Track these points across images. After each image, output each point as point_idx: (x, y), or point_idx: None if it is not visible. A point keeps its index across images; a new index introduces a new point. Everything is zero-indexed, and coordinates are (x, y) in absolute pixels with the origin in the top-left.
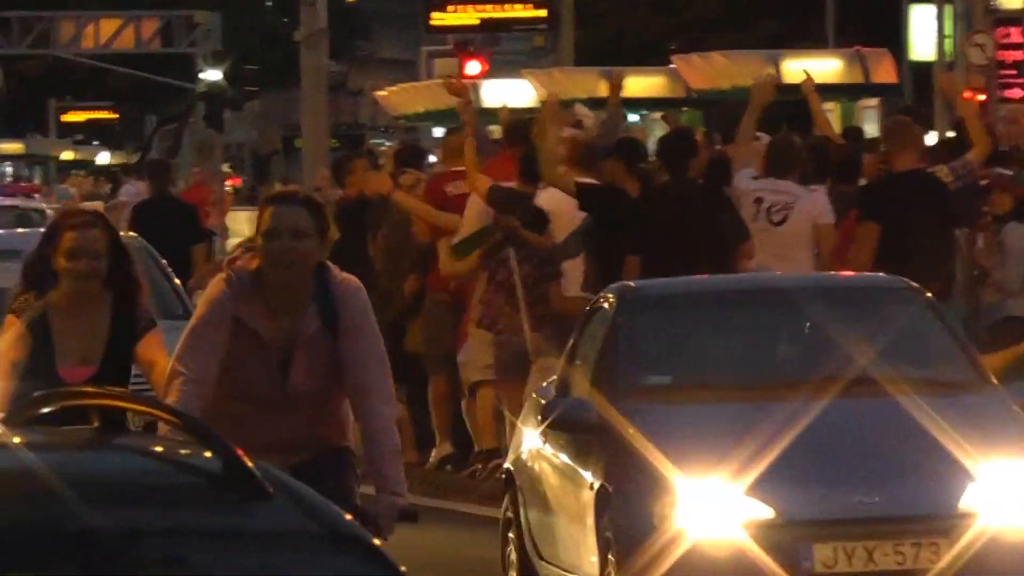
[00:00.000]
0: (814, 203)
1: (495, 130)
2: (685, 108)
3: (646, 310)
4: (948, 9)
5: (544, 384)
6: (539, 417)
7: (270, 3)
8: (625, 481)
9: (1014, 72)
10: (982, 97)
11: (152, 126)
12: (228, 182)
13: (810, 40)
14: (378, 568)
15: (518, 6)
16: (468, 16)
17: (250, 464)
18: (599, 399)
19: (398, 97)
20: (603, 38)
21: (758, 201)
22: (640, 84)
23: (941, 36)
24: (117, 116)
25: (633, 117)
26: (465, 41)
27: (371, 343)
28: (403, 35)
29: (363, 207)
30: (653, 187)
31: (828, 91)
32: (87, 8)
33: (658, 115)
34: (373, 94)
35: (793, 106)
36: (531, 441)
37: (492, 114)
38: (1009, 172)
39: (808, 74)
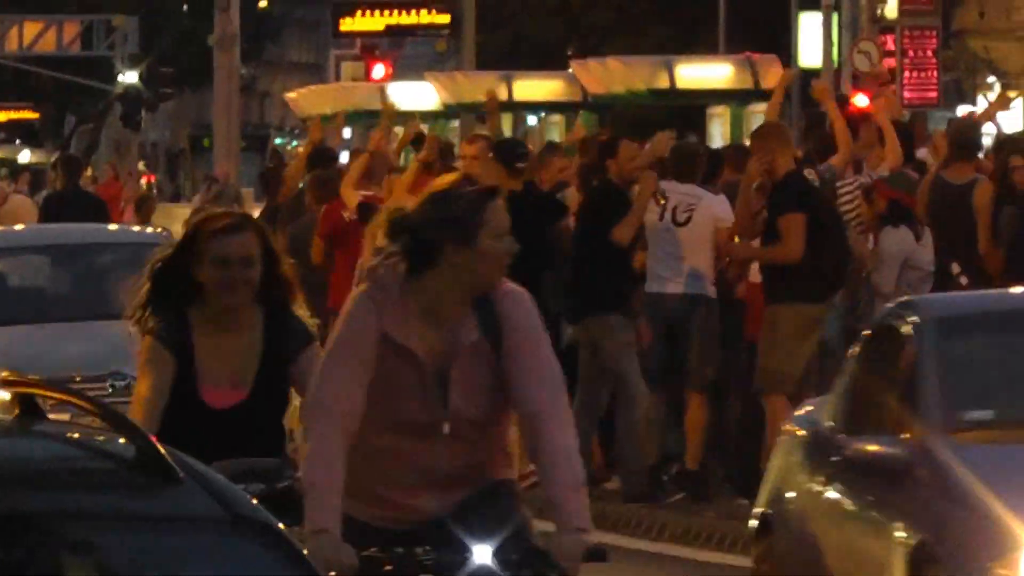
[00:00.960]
0: (717, 205)
1: (399, 131)
2: (582, 111)
3: (962, 333)
4: (835, 17)
5: (800, 413)
6: (807, 454)
7: (186, 8)
8: (955, 536)
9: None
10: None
11: (72, 126)
12: (143, 179)
13: (702, 46)
14: (282, 553)
15: (422, 12)
16: (374, 22)
17: (162, 449)
18: (911, 436)
19: (307, 99)
20: (503, 43)
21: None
22: (538, 88)
23: (828, 43)
24: (38, 116)
25: (531, 120)
26: (371, 46)
27: (542, 360)
28: (312, 39)
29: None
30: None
31: (719, 96)
32: (10, 11)
33: (556, 118)
34: (283, 96)
35: (683, 111)
36: (798, 482)
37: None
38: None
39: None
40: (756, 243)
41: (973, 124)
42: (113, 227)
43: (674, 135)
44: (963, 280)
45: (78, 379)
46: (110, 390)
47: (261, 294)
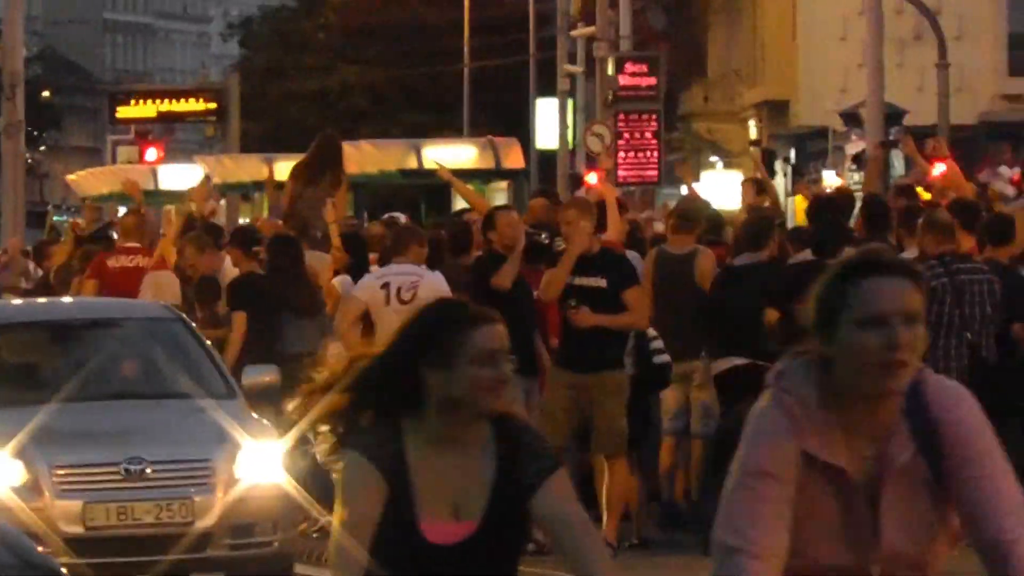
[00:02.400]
0: (435, 281)
1: (171, 209)
2: None
3: None
4: (570, 102)
5: None
6: None
7: None
8: None
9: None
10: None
11: None
12: None
13: (451, 130)
14: None
15: (191, 100)
16: (148, 109)
17: None
18: None
19: (86, 180)
20: (266, 128)
21: (386, 287)
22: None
23: (563, 126)
24: None
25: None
26: (145, 131)
27: (1002, 475)
28: (90, 126)
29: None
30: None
31: (464, 175)
32: None
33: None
34: (64, 177)
35: (431, 188)
36: None
37: (168, 195)
38: None
39: (439, 164)
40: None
41: (694, 200)
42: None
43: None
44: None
45: None
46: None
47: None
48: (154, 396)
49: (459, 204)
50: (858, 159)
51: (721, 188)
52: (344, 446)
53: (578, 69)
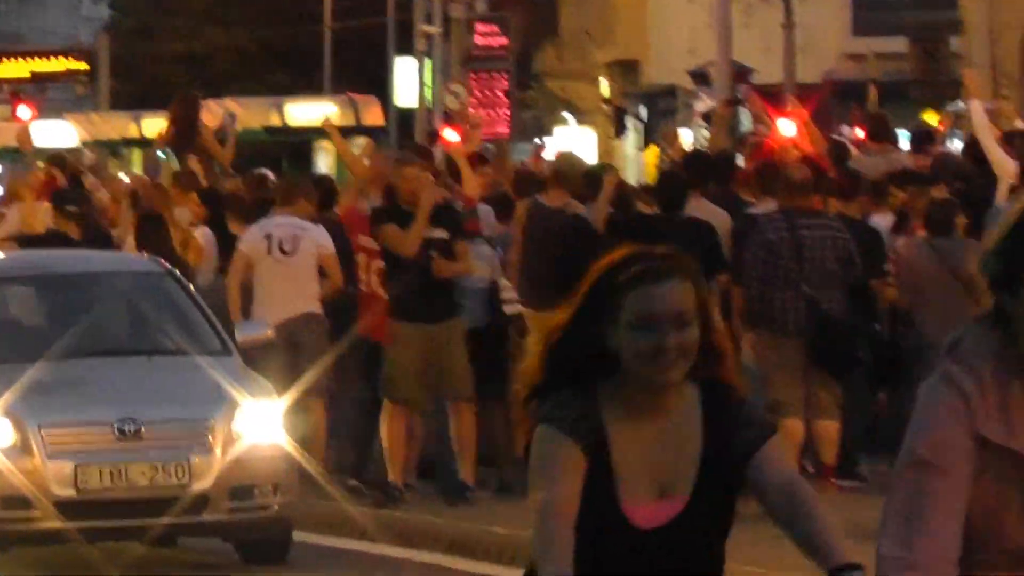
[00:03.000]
0: (318, 234)
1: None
2: None
3: None
4: (428, 62)
5: None
6: None
7: None
8: None
9: (490, 114)
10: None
11: None
12: None
13: (313, 89)
14: None
15: (63, 60)
16: (20, 68)
17: None
18: None
19: None
20: (135, 88)
21: (268, 237)
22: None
23: (421, 85)
24: None
25: (161, 154)
26: (18, 90)
27: None
28: None
29: None
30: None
31: (324, 132)
32: None
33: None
34: None
35: (293, 146)
36: None
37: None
38: None
39: (328, 119)
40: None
41: (569, 156)
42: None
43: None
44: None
45: None
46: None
47: (695, 366)
48: (146, 353)
49: (321, 161)
50: (707, 117)
51: (574, 144)
52: (539, 420)
53: (435, 29)
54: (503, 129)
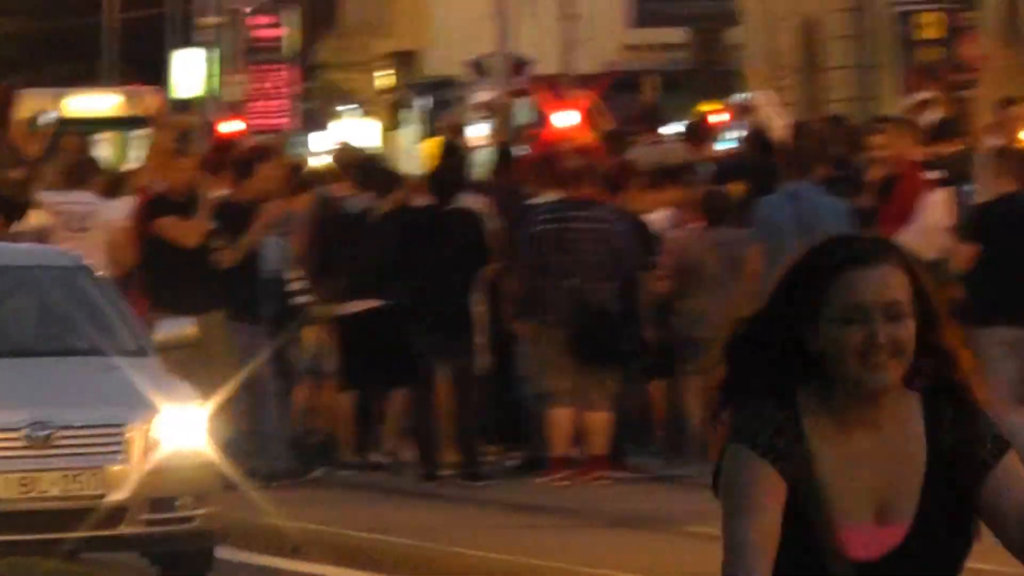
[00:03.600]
0: (114, 210)
1: None
2: None
3: None
4: (209, 53)
5: None
6: None
7: None
8: None
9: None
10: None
11: None
12: None
13: (96, 80)
14: None
15: None
16: None
17: None
18: None
19: None
20: None
21: (59, 213)
22: None
23: (207, 77)
24: None
25: None
26: None
27: None
28: None
29: None
30: None
31: (108, 124)
32: None
33: None
34: None
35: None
36: None
37: None
38: None
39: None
40: None
41: (348, 147)
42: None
43: None
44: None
45: None
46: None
47: (919, 370)
48: (58, 353)
49: (104, 152)
50: (487, 107)
51: (356, 135)
52: (731, 436)
53: (215, 21)
54: (284, 120)
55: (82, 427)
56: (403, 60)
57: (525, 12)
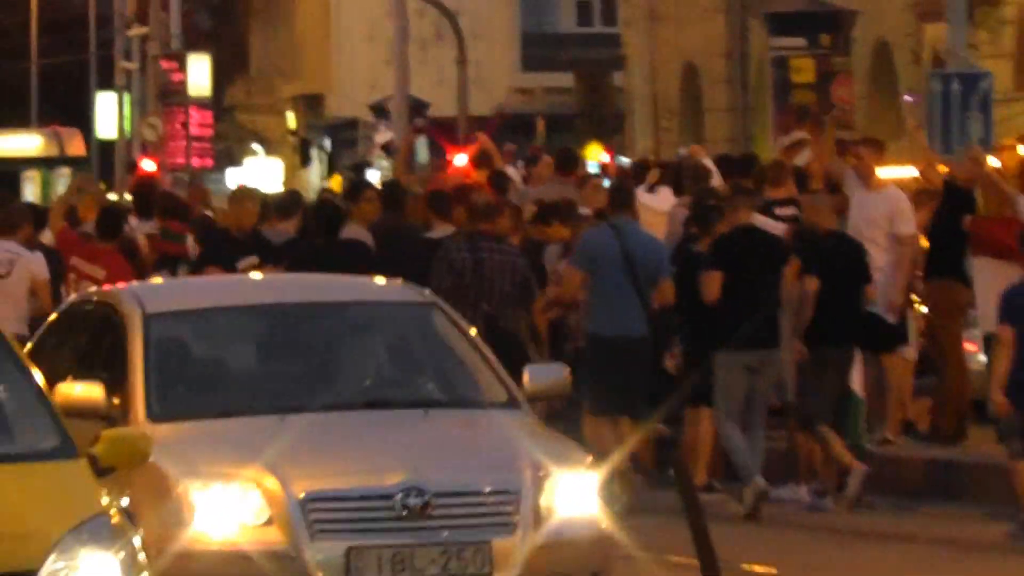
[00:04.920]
0: (34, 261)
1: None
2: None
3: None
4: (127, 96)
5: None
6: None
7: None
8: None
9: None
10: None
11: None
12: None
13: (21, 121)
14: None
15: None
16: None
17: None
18: None
19: None
20: None
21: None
22: None
23: (121, 118)
24: None
25: None
26: None
27: None
28: None
29: None
30: None
31: (30, 163)
32: None
33: None
34: None
35: (3, 174)
36: None
37: None
38: None
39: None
40: None
41: (243, 188)
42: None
43: None
44: None
45: None
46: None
47: None
48: (421, 404)
49: (27, 189)
50: (387, 148)
51: (262, 174)
52: None
53: (133, 65)
54: (210, 161)
55: (465, 494)
56: (308, 102)
57: (421, 58)
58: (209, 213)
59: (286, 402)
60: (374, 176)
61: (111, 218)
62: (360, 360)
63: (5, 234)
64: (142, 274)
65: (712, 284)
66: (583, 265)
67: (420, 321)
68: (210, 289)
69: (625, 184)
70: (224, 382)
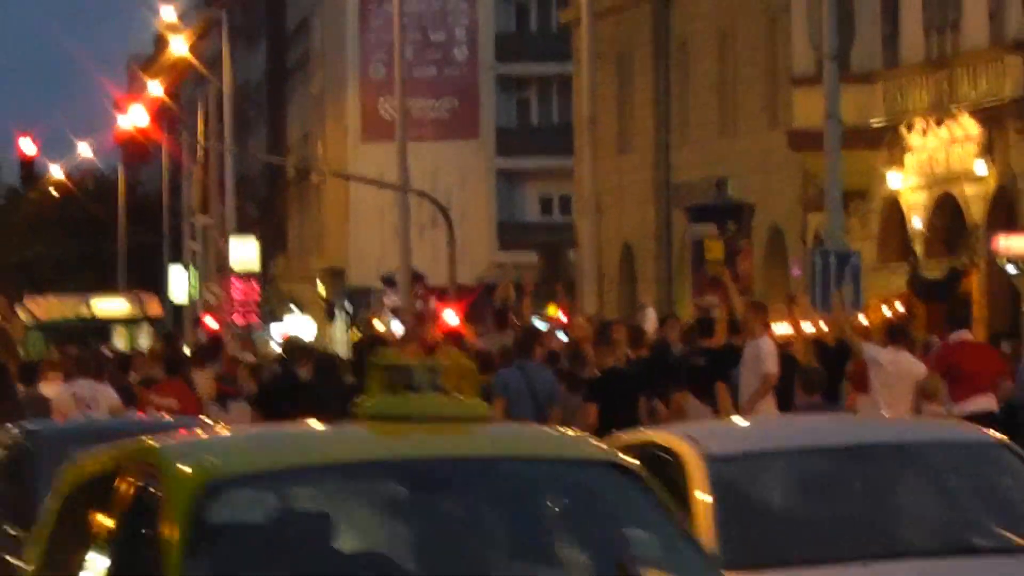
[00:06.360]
0: (107, 392)
1: None
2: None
3: None
4: (193, 269)
5: None
6: None
7: None
8: None
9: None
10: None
11: None
12: None
13: (112, 287)
14: None
15: None
16: None
17: None
18: None
19: None
20: None
21: (74, 395)
22: None
23: (189, 286)
24: None
25: None
26: None
27: None
28: None
29: None
30: None
31: (120, 321)
32: None
33: None
34: None
35: (96, 328)
36: None
37: None
38: None
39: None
40: None
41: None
42: None
43: None
44: None
45: None
46: None
47: None
48: (1006, 551)
49: (118, 341)
50: (395, 310)
51: (298, 328)
52: None
53: (197, 245)
54: (255, 319)
55: None
56: (332, 273)
57: (419, 237)
58: (252, 358)
59: (868, 549)
60: (397, 327)
61: (178, 356)
62: (927, 503)
63: (83, 375)
64: (200, 408)
65: (588, 413)
66: (503, 394)
67: (986, 462)
68: (777, 430)
69: (528, 336)
70: (799, 526)
